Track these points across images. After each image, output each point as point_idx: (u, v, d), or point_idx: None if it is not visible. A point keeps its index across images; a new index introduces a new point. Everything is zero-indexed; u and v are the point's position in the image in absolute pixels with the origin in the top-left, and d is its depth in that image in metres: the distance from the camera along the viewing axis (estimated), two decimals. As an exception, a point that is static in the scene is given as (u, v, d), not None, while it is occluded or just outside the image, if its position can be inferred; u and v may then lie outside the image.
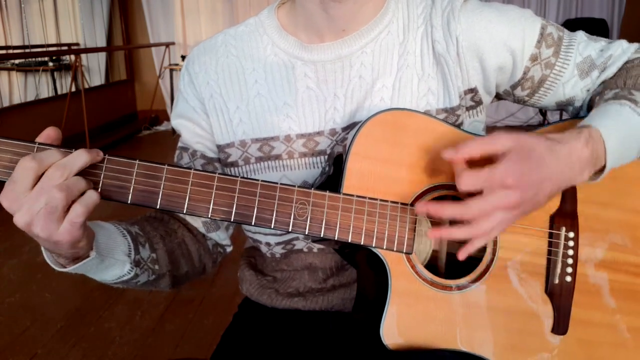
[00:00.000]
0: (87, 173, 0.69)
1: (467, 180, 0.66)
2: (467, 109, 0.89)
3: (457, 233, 0.68)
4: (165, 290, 0.95)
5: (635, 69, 0.84)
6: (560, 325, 0.81)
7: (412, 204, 0.78)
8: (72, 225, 0.65)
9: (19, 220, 0.64)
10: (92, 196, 0.67)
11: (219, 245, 1.00)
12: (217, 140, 0.93)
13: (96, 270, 0.77)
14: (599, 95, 0.84)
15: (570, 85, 0.88)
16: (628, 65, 0.86)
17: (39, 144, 0.67)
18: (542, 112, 6.19)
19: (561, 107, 0.92)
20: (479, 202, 0.66)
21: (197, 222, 0.96)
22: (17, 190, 0.64)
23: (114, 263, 0.79)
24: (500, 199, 0.66)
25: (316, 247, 0.92)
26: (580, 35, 0.90)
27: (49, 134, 0.69)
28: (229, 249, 1.02)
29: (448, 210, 0.67)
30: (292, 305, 0.96)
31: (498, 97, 0.95)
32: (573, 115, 0.92)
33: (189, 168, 0.72)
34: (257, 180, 0.74)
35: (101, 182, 0.69)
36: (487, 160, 0.68)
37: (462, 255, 0.70)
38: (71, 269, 0.73)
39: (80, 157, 0.67)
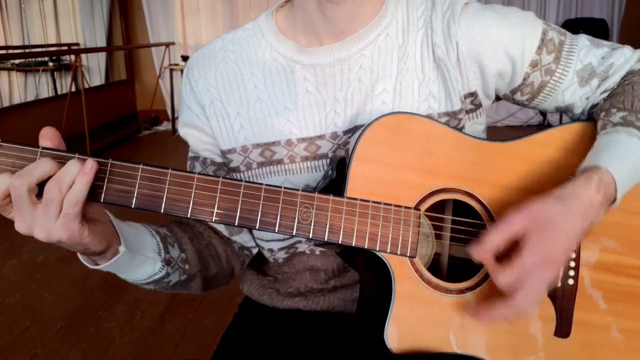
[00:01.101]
0: None
1: (503, 279, 0.69)
2: (467, 112, 0.89)
3: (512, 315, 0.72)
4: (197, 293, 0.95)
5: None
6: (563, 328, 0.80)
7: (415, 208, 0.78)
8: (66, 218, 0.65)
9: (39, 235, 0.65)
10: (77, 186, 0.65)
11: (244, 247, 1.00)
12: (219, 145, 0.93)
13: (127, 267, 0.78)
14: (604, 112, 0.83)
15: (570, 92, 0.87)
16: (634, 79, 0.84)
17: (43, 148, 0.67)
18: (542, 112, 6.20)
19: (560, 111, 0.92)
20: (523, 294, 0.69)
21: (220, 226, 0.96)
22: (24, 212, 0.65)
23: (144, 260, 0.79)
24: (539, 280, 0.69)
25: (318, 249, 0.92)
26: (582, 40, 0.88)
27: (46, 133, 0.68)
28: (254, 251, 1.02)
29: (499, 312, 0.71)
30: (293, 305, 0.96)
31: (498, 98, 0.94)
32: (573, 120, 0.92)
33: (193, 172, 0.72)
34: (261, 184, 0.73)
35: (105, 186, 0.69)
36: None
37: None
38: (103, 266, 0.74)
39: (73, 168, 0.66)
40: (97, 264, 0.74)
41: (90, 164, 0.66)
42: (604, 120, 0.81)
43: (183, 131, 0.96)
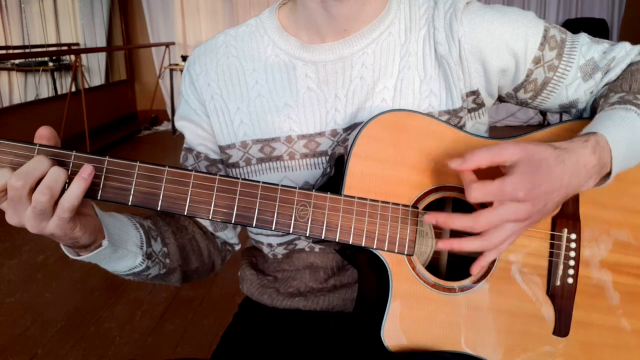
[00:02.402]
0: None
1: (477, 193, 0.66)
2: (469, 110, 0.89)
3: (467, 245, 0.68)
4: (176, 285, 0.96)
5: None
6: (562, 327, 0.80)
7: (413, 206, 0.77)
8: (61, 220, 0.66)
9: (31, 230, 0.66)
10: (74, 192, 0.65)
11: (227, 243, 1.01)
12: (218, 141, 0.93)
13: (109, 260, 0.79)
14: (603, 98, 0.84)
15: (574, 87, 0.88)
16: (633, 68, 0.85)
17: (40, 145, 0.67)
18: (542, 112, 6.19)
19: (564, 109, 0.92)
20: (489, 215, 0.66)
21: (205, 221, 0.97)
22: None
23: (126, 254, 0.80)
24: (510, 211, 0.66)
25: (318, 246, 0.92)
26: (583, 37, 0.89)
27: (42, 133, 0.68)
28: (237, 247, 1.03)
29: (457, 221, 0.67)
30: (292, 305, 0.96)
31: (500, 99, 0.94)
32: (576, 117, 0.92)
33: (190, 170, 0.72)
34: (258, 182, 0.73)
35: (102, 183, 0.69)
36: (494, 169, 0.68)
37: (475, 269, 0.71)
38: (84, 257, 0.75)
39: (60, 174, 0.66)
40: (79, 255, 0.75)
41: (89, 170, 0.66)
42: (602, 104, 0.82)
43: (179, 124, 0.97)
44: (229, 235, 0.99)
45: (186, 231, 0.94)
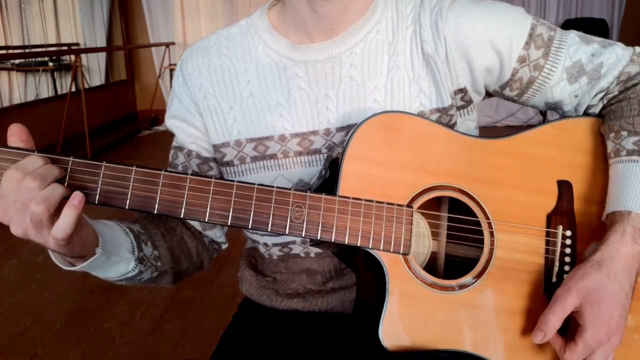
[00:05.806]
0: (86, 180, 0.69)
1: (573, 359, 0.73)
2: (458, 108, 0.88)
3: None
4: (167, 287, 0.96)
5: None
6: (561, 325, 0.80)
7: (408, 205, 0.78)
8: (57, 246, 0.67)
9: (15, 232, 0.66)
10: (66, 221, 0.65)
11: (214, 242, 1.02)
12: (212, 140, 0.93)
13: (102, 267, 0.79)
14: (614, 134, 0.81)
15: (559, 89, 0.86)
16: (637, 89, 0.83)
17: (37, 152, 0.67)
18: (542, 111, 6.18)
19: (549, 108, 0.90)
20: None
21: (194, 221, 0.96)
22: (6, 203, 0.65)
23: (119, 260, 0.80)
24: (605, 351, 0.73)
25: (313, 252, 0.92)
26: (572, 36, 0.87)
27: (14, 131, 0.69)
28: (224, 246, 1.04)
29: None
30: (291, 306, 0.96)
31: (488, 95, 0.93)
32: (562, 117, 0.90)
33: (185, 173, 0.73)
34: (253, 184, 0.74)
35: (99, 188, 0.70)
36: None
37: None
38: (79, 267, 0.74)
39: (53, 170, 0.67)
40: (73, 265, 0.75)
41: (79, 197, 0.66)
42: (615, 143, 0.80)
43: (170, 122, 0.97)
44: (217, 234, 1.00)
45: (174, 233, 0.95)
